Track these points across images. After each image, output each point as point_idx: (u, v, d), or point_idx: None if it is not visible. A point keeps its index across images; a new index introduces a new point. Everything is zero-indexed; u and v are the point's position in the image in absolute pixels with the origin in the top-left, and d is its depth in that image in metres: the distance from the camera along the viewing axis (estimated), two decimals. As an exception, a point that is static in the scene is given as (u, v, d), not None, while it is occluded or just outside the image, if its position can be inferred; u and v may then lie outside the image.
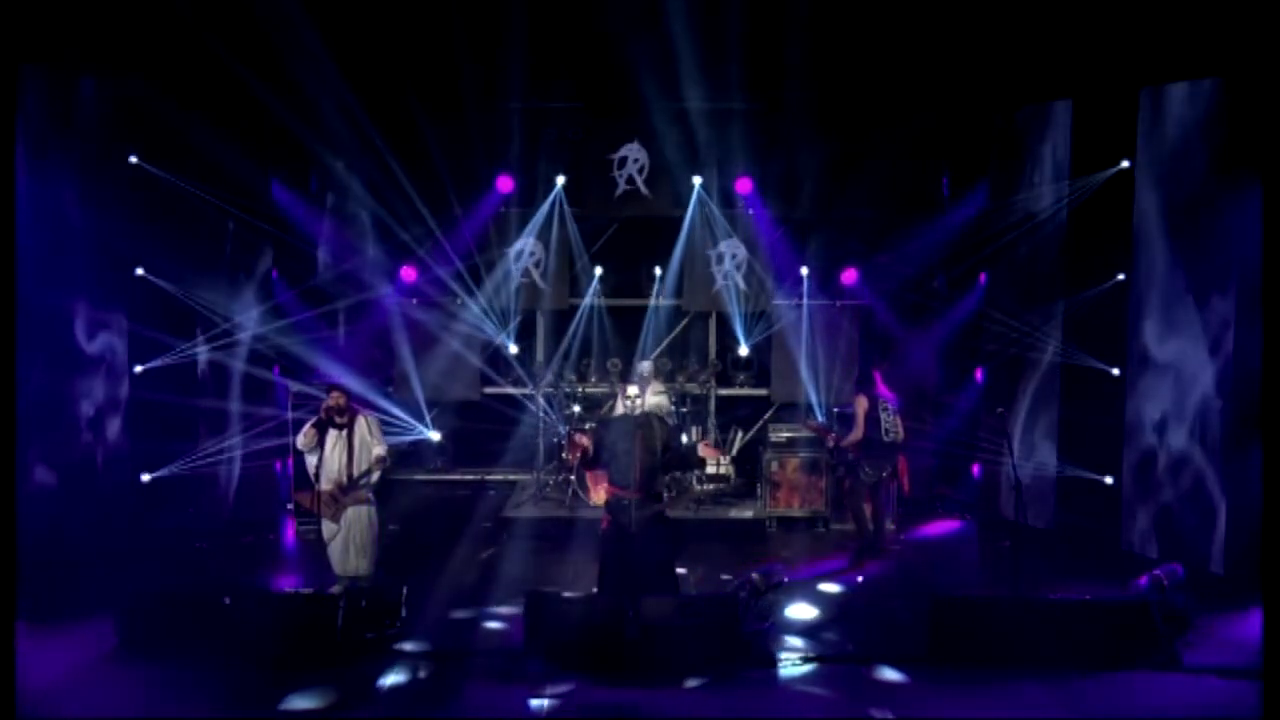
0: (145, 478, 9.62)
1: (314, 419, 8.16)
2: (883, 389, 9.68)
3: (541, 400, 12.00)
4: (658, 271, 12.39)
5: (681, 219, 12.13)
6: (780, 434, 10.93)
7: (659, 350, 12.49)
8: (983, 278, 11.16)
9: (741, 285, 12.22)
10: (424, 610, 8.07)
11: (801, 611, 8.35)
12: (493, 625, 8.09)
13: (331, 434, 8.16)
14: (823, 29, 10.38)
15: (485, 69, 11.18)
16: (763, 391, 12.52)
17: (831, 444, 9.96)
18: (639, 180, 12.19)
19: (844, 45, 10.65)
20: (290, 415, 10.35)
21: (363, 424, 8.29)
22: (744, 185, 11.99)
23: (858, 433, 9.55)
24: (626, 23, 10.38)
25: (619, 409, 9.17)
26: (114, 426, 9.52)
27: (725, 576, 9.15)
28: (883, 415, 9.53)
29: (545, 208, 12.16)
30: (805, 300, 11.90)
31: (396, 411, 10.64)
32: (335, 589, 8.10)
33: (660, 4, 10.25)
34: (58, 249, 8.88)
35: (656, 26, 10.45)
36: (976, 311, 11.21)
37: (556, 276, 12.39)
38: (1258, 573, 7.37)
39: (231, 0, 9.56)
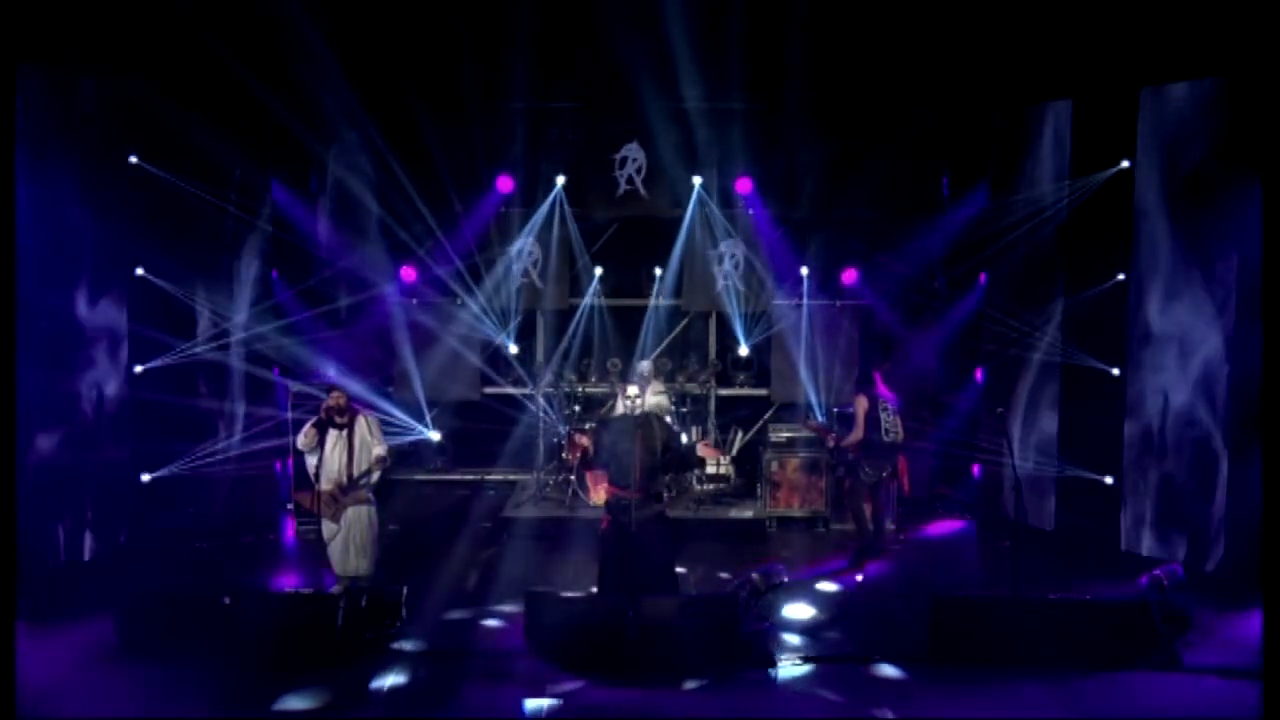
0: (145, 478, 9.62)
1: (314, 419, 8.17)
2: (883, 389, 9.68)
3: (541, 400, 12.00)
4: (658, 271, 12.39)
5: (681, 219, 12.14)
6: (780, 434, 10.94)
7: (659, 350, 12.48)
8: (983, 278, 11.16)
9: (741, 285, 12.22)
10: (424, 610, 8.08)
11: (801, 611, 8.35)
12: (492, 625, 8.10)
13: (331, 434, 8.17)
14: (823, 29, 10.39)
15: (486, 69, 11.18)
16: (763, 391, 12.51)
17: (831, 444, 9.95)
18: (638, 180, 12.19)
19: (844, 45, 10.65)
20: (290, 415, 10.37)
21: (363, 424, 8.29)
22: (744, 185, 11.98)
23: (858, 433, 9.54)
24: (627, 23, 10.38)
25: (619, 409, 9.16)
26: (114, 426, 9.51)
27: (725, 576, 9.16)
28: (883, 415, 9.53)
29: (545, 208, 12.16)
30: (805, 300, 11.90)
31: (396, 411, 10.64)
32: (335, 589, 8.12)
33: (660, 4, 10.25)
34: (58, 249, 8.89)
35: (657, 26, 10.45)
36: (976, 311, 11.20)
37: (556, 276, 12.38)
38: (1258, 573, 7.37)
39: (231, 0, 9.56)
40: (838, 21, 10.36)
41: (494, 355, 12.50)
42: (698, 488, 11.38)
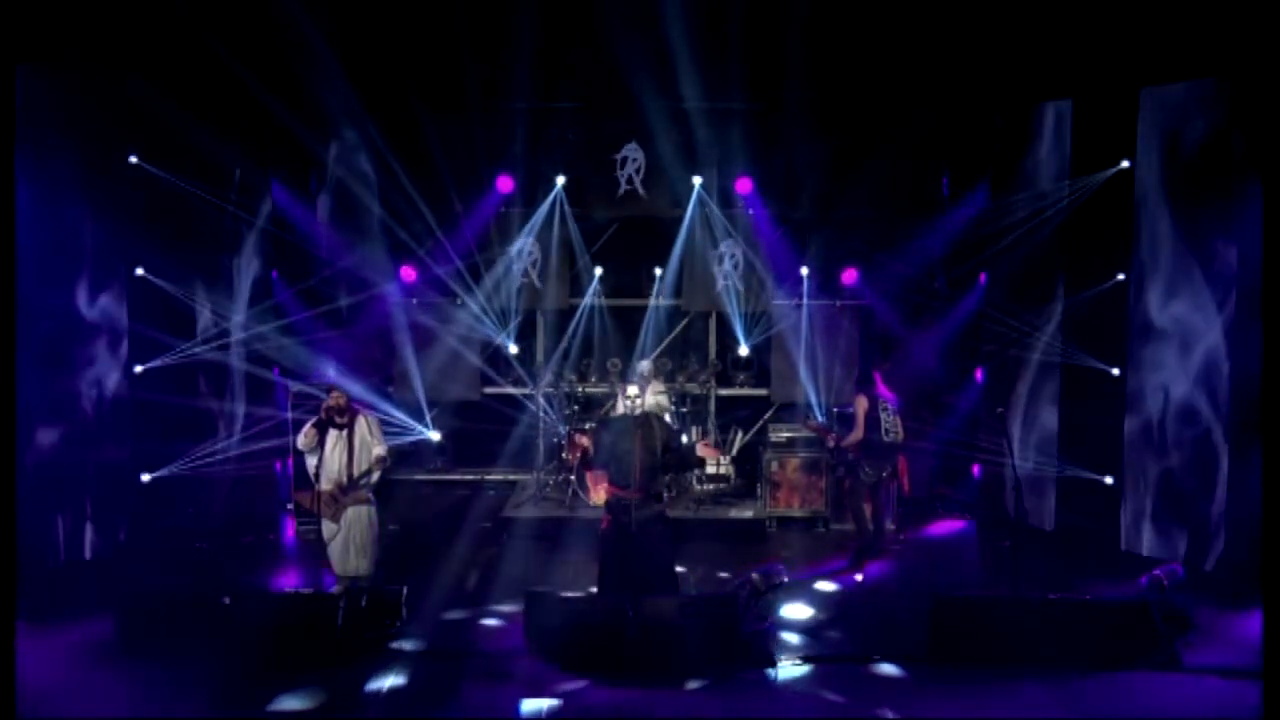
0: (145, 478, 9.62)
1: (314, 419, 8.17)
2: (883, 389, 9.67)
3: (541, 400, 11.99)
4: (658, 271, 12.39)
5: (681, 219, 12.13)
6: (780, 434, 10.94)
7: (659, 350, 12.48)
8: (983, 278, 11.16)
9: (741, 285, 12.21)
10: (424, 610, 8.08)
11: (801, 611, 8.35)
12: (492, 625, 8.09)
13: (331, 434, 8.17)
14: (822, 28, 10.39)
15: (487, 69, 11.19)
16: (763, 391, 12.51)
17: (831, 444, 9.95)
18: (638, 180, 12.19)
19: (844, 45, 10.65)
20: (290, 415, 10.37)
21: (363, 424, 8.29)
22: (744, 185, 11.98)
23: (858, 433, 9.54)
24: (627, 23, 10.38)
25: (619, 409, 9.17)
26: (114, 426, 9.51)
27: (725, 576, 9.16)
28: (883, 415, 9.52)
29: (545, 208, 12.16)
30: (805, 300, 11.90)
31: (396, 411, 10.64)
32: (335, 589, 8.12)
33: (660, 4, 10.25)
34: (58, 248, 8.89)
35: (656, 27, 10.45)
36: (976, 311, 11.21)
37: (556, 276, 12.38)
38: (1258, 573, 7.37)
39: (231, 0, 9.56)
40: (837, 21, 10.36)
41: (494, 355, 12.50)
42: (698, 488, 11.37)
